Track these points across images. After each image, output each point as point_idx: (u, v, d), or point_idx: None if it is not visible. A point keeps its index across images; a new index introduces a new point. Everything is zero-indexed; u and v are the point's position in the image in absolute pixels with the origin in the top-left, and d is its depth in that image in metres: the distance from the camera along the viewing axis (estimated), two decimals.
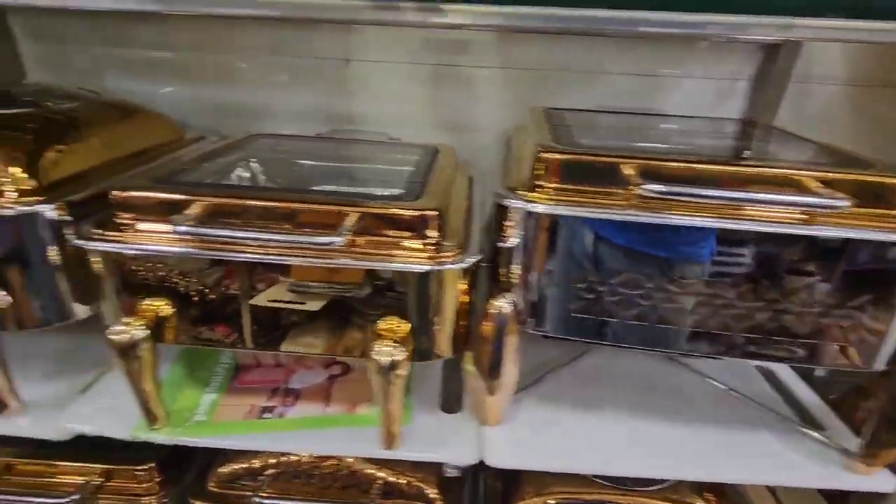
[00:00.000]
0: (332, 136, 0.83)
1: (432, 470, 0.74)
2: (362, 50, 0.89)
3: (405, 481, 0.71)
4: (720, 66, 0.86)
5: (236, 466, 0.73)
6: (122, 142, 0.68)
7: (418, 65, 0.90)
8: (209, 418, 0.57)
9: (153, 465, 0.75)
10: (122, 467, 0.75)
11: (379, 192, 0.57)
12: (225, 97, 0.94)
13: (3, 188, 0.53)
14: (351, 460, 0.71)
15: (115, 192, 0.51)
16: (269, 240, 0.48)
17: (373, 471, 0.71)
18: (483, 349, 0.54)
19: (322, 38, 0.89)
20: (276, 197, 0.50)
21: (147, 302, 0.53)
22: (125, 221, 0.52)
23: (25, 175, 0.53)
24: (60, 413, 0.59)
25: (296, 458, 0.71)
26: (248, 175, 0.63)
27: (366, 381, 0.65)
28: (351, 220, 0.48)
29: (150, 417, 0.55)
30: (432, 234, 0.50)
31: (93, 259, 0.52)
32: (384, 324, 0.52)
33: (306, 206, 0.49)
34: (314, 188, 0.56)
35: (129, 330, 0.49)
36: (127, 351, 0.50)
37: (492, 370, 0.54)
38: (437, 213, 0.50)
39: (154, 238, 0.50)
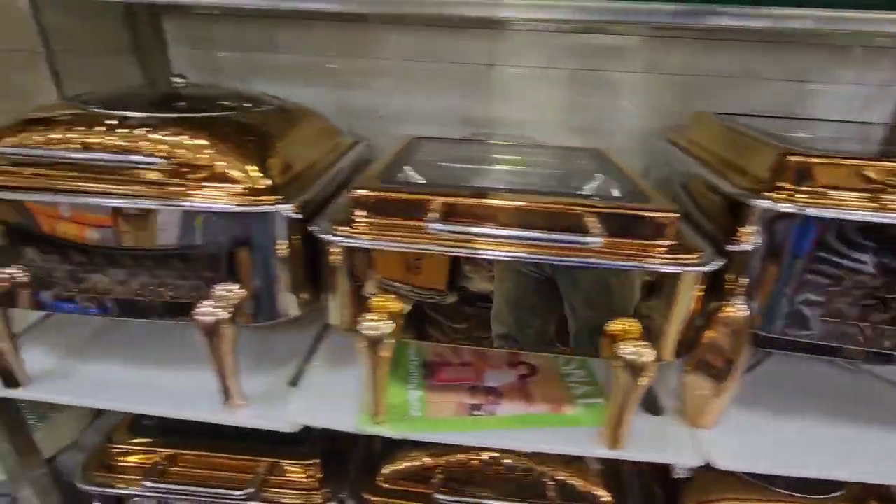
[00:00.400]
0: (476, 138, 0.84)
1: (598, 472, 0.74)
2: (506, 54, 0.90)
3: (579, 483, 0.72)
4: (872, 72, 0.86)
5: (407, 464, 0.74)
6: (310, 144, 0.70)
7: (560, 69, 0.91)
8: (423, 414, 0.58)
9: (318, 460, 0.77)
10: (286, 461, 0.77)
11: (603, 194, 0.57)
12: (358, 100, 0.95)
13: (241, 186, 0.54)
14: (523, 460, 0.72)
15: (358, 192, 0.53)
16: (526, 238, 0.49)
17: (547, 471, 0.72)
18: (713, 354, 0.54)
19: (467, 43, 0.90)
20: (524, 198, 0.51)
21: (379, 298, 0.54)
22: (363, 220, 0.53)
23: (261, 174, 0.55)
24: (275, 405, 0.60)
25: (465, 457, 0.73)
26: (447, 176, 0.64)
27: (558, 382, 0.66)
28: (600, 222, 0.49)
29: (376, 412, 0.56)
30: (671, 235, 0.51)
31: (332, 256, 0.53)
32: (616, 325, 0.52)
33: (556, 206, 0.50)
34: (531, 188, 0.56)
35: (379, 325, 0.51)
36: (375, 345, 0.51)
37: (721, 375, 0.54)
38: (677, 215, 0.51)
39: (400, 236, 0.51)
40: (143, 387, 0.63)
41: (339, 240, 0.51)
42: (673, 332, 0.53)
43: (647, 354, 0.49)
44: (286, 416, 0.58)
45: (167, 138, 0.55)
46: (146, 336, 0.72)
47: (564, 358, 0.70)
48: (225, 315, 0.53)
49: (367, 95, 0.95)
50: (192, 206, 0.52)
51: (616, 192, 0.57)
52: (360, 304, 0.54)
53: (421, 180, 0.60)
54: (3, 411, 0.67)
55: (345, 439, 0.80)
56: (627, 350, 0.49)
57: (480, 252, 0.49)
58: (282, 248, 0.55)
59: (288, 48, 0.94)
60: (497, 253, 0.49)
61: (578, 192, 0.55)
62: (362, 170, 0.76)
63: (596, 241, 0.47)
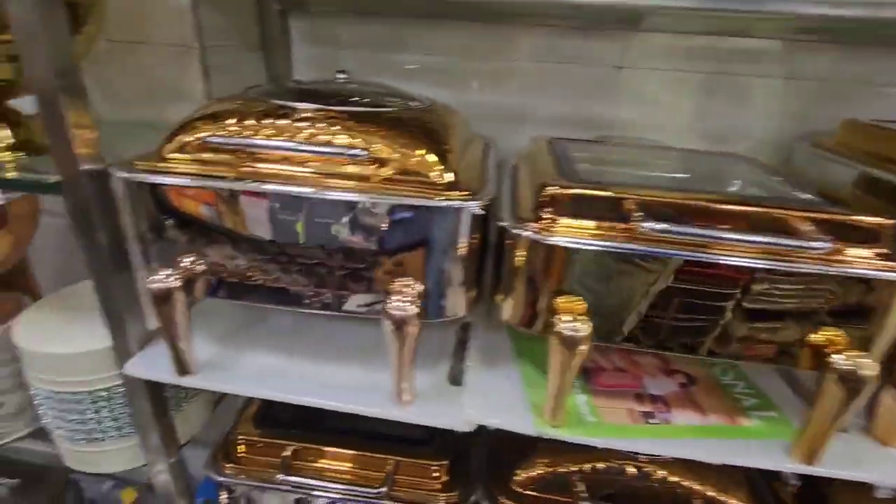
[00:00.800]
0: (614, 140, 0.83)
1: (741, 486, 0.72)
2: (637, 57, 0.89)
3: (728, 499, 0.69)
4: None
5: (542, 471, 0.73)
6: (465, 142, 0.69)
7: (693, 73, 0.89)
8: (597, 419, 0.57)
9: (446, 462, 0.76)
10: (414, 461, 0.76)
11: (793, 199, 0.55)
12: (477, 100, 0.94)
13: (426, 181, 0.54)
14: (663, 473, 0.70)
15: (552, 190, 0.52)
16: (746, 241, 0.47)
17: (689, 484, 0.69)
18: None
19: (596, 44, 0.89)
20: (733, 199, 0.49)
21: (566, 299, 0.53)
22: (549, 217, 0.52)
23: (444, 170, 0.55)
24: (441, 403, 0.60)
25: (602, 465, 0.71)
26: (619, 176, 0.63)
27: (722, 393, 0.64)
28: (816, 227, 0.47)
29: (556, 415, 0.55)
30: (887, 243, 0.48)
31: (519, 254, 0.52)
32: (823, 334, 0.50)
33: (773, 210, 0.49)
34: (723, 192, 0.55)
35: (579, 325, 0.49)
36: (572, 347, 0.50)
37: None
38: (894, 222, 0.48)
39: (604, 234, 0.50)
40: (304, 379, 0.63)
41: (540, 238, 0.50)
42: (880, 345, 0.50)
43: (868, 367, 0.46)
44: (461, 415, 0.57)
45: (357, 132, 0.55)
46: (291, 328, 0.73)
47: (720, 368, 0.68)
48: (414, 310, 0.52)
49: (486, 96, 0.94)
50: (392, 200, 0.51)
51: (808, 198, 0.54)
52: (543, 304, 0.53)
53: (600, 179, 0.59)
54: (156, 399, 0.68)
55: (467, 441, 0.79)
56: (843, 361, 0.47)
57: (686, 254, 0.48)
58: (462, 244, 0.55)
59: (412, 49, 0.94)
60: (716, 257, 0.48)
61: (778, 196, 0.53)
62: (502, 169, 0.76)
63: (824, 246, 0.46)
